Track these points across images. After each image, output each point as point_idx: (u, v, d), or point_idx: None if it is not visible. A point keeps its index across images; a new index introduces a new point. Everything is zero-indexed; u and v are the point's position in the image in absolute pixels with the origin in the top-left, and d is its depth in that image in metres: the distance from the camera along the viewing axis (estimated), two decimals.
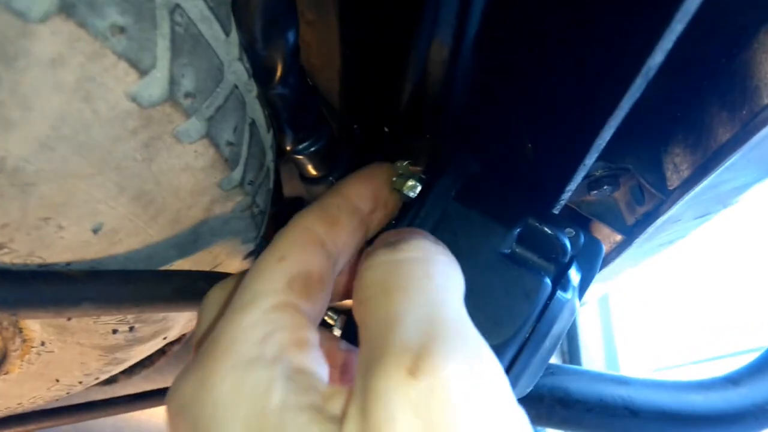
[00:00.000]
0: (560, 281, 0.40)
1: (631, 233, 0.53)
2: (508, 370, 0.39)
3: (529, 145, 0.45)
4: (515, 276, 0.39)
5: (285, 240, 0.34)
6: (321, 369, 0.31)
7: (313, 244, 0.34)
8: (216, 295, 0.35)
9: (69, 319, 0.45)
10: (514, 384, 0.40)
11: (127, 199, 0.33)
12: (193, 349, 0.34)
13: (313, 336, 0.32)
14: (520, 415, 0.27)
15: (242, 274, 0.33)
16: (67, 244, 0.34)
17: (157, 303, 0.40)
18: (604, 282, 0.74)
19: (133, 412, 0.88)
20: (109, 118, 0.28)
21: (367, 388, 0.26)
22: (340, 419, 0.27)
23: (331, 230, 0.35)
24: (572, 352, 1.62)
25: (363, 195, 0.39)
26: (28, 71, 0.24)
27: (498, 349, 0.38)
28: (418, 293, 0.29)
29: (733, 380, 0.72)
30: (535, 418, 0.70)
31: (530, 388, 0.45)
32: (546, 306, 0.39)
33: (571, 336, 1.62)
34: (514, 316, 0.39)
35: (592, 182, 0.49)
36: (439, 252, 0.33)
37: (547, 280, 0.39)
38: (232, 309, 0.31)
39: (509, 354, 0.39)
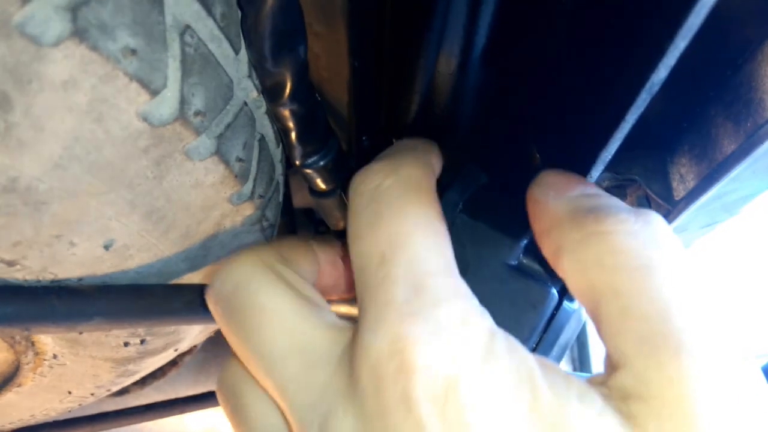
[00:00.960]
0: (567, 292, 0.40)
1: None
2: None
3: (537, 156, 0.45)
4: (522, 287, 0.39)
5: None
6: None
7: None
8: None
9: (81, 333, 0.45)
10: None
11: (139, 216, 0.34)
12: None
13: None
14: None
15: None
16: (79, 261, 0.34)
17: (168, 316, 0.40)
18: None
19: (145, 422, 0.88)
20: (121, 138, 0.29)
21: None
22: None
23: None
24: (582, 359, 1.62)
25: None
26: (41, 94, 0.25)
27: None
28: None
29: None
30: None
31: None
32: (553, 316, 0.39)
33: (581, 343, 1.62)
34: (521, 326, 0.39)
35: None
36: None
37: (554, 291, 0.40)
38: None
39: None
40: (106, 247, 0.34)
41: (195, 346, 0.94)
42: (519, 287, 0.40)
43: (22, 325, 0.34)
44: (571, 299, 0.40)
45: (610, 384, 0.28)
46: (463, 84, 0.50)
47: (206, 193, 0.36)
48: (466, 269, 0.40)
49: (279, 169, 0.46)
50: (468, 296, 0.30)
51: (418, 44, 0.48)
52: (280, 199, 0.49)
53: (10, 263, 0.32)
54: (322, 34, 0.56)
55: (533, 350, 0.39)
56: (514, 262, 0.40)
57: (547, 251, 0.33)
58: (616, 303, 0.28)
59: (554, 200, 0.34)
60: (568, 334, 0.41)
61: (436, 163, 0.39)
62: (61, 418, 0.85)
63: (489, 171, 0.46)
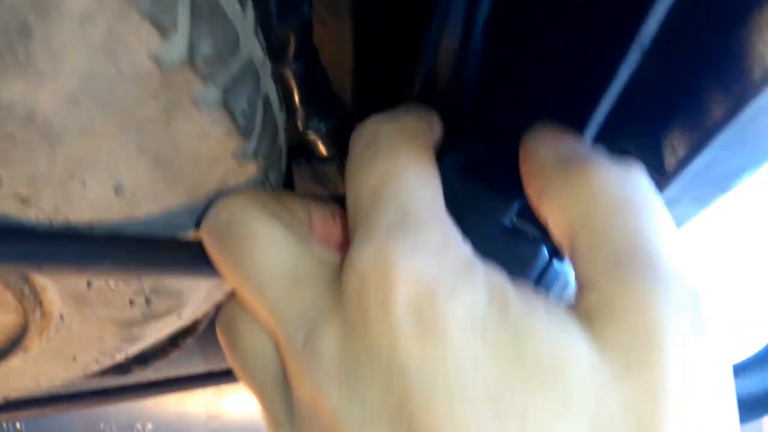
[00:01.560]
0: (557, 253, 0.42)
1: None
2: None
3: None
4: (514, 246, 0.41)
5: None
6: None
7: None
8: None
9: (89, 285, 0.47)
10: None
11: (147, 162, 0.35)
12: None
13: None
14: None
15: None
16: (90, 203, 0.36)
17: (175, 268, 0.42)
18: None
19: (146, 398, 0.90)
20: (132, 78, 0.30)
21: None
22: None
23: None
24: None
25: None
26: (59, 26, 0.26)
27: None
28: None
29: (740, 368, 0.74)
30: None
31: None
32: (542, 274, 0.41)
33: None
34: None
35: None
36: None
37: (544, 250, 0.41)
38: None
39: None
40: (116, 192, 0.36)
41: (197, 327, 0.96)
42: (511, 246, 0.41)
43: (34, 265, 0.36)
44: (561, 259, 0.42)
45: (576, 305, 0.30)
46: (465, 60, 0.51)
47: (212, 146, 0.38)
48: (463, 230, 0.42)
49: (282, 135, 0.47)
50: (451, 226, 0.33)
51: (422, 24, 0.49)
52: (283, 167, 0.50)
53: (25, 200, 0.33)
54: (326, 20, 0.57)
55: None
56: (507, 223, 0.42)
57: (531, 193, 0.36)
58: (591, 237, 0.31)
59: (544, 147, 0.36)
60: (555, 294, 0.42)
61: (435, 126, 0.41)
62: (64, 392, 0.87)
63: (487, 142, 0.48)
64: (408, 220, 0.31)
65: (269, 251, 0.34)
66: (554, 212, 0.34)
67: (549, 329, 0.28)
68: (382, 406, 0.28)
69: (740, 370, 0.74)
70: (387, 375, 0.28)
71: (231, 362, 0.38)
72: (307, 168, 0.71)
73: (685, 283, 0.29)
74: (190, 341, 1.00)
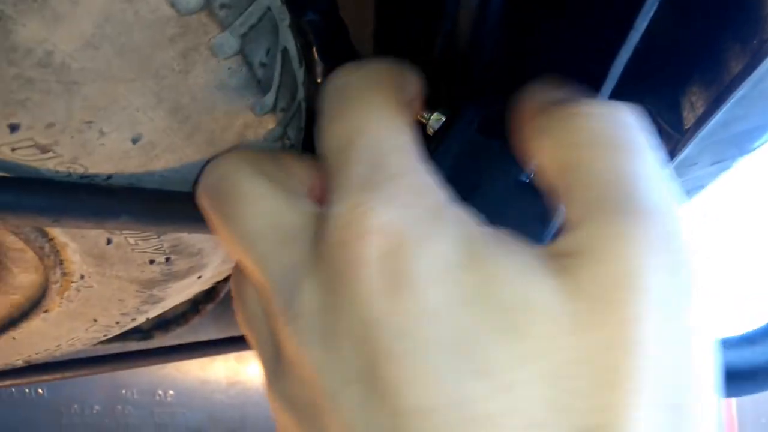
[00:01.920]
0: None
1: None
2: None
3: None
4: (531, 201, 0.41)
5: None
6: None
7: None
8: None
9: (109, 242, 0.47)
10: None
11: (165, 112, 0.35)
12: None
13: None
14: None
15: None
16: (107, 153, 0.36)
17: (193, 224, 0.42)
18: None
19: (168, 363, 0.90)
20: (150, 22, 0.30)
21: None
22: None
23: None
24: None
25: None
26: None
27: None
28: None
29: (749, 339, 0.74)
30: None
31: None
32: (560, 230, 0.41)
33: None
34: (528, 236, 0.40)
35: None
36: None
37: (561, 206, 0.41)
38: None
39: None
40: (134, 141, 0.36)
41: (218, 292, 0.96)
42: (528, 201, 0.41)
43: (52, 217, 0.36)
44: None
45: (557, 248, 0.30)
46: (485, 19, 0.51)
47: (229, 97, 0.38)
48: (478, 184, 0.42)
49: (302, 91, 0.47)
50: (424, 173, 0.33)
51: None
52: (302, 124, 0.50)
53: (44, 148, 0.33)
54: None
55: None
56: (525, 179, 0.42)
57: (522, 138, 0.36)
58: (578, 175, 0.31)
59: (537, 93, 0.36)
60: None
61: (410, 77, 0.40)
62: (85, 356, 0.88)
63: (505, 98, 0.48)
64: (378, 173, 0.31)
65: (255, 208, 0.35)
66: (543, 153, 0.34)
67: (516, 275, 0.28)
68: (357, 361, 0.28)
69: (756, 338, 0.74)
70: (360, 330, 0.29)
71: (238, 319, 0.39)
72: None
73: (665, 222, 0.28)
74: (210, 307, 1.01)
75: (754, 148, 0.52)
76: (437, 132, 0.45)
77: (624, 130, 0.31)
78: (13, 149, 0.33)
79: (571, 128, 0.32)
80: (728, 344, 0.73)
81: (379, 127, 0.34)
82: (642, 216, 0.28)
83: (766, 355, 0.71)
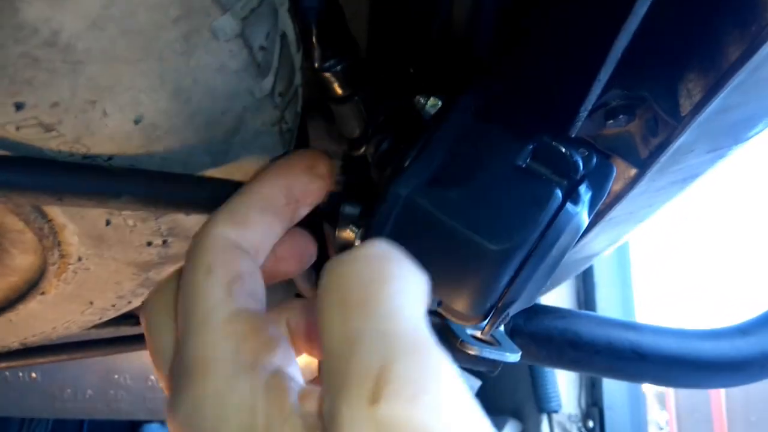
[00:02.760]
0: (571, 195, 0.42)
1: (644, 165, 0.54)
2: (515, 276, 0.42)
3: (549, 66, 0.47)
4: (528, 186, 0.42)
5: (203, 251, 0.36)
6: (292, 364, 0.35)
7: (229, 248, 0.37)
8: (159, 307, 0.39)
9: (107, 224, 0.48)
10: (519, 292, 0.43)
11: (167, 93, 0.36)
12: (167, 373, 0.38)
13: (275, 330, 0.35)
14: (485, 426, 0.28)
15: (171, 280, 0.39)
16: (110, 133, 0.36)
17: (192, 206, 0.42)
18: (619, 226, 0.75)
19: None
20: (154, 3, 0.30)
21: (332, 417, 0.28)
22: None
23: (242, 232, 0.38)
24: (588, 302, 1.65)
25: (273, 190, 0.40)
26: None
27: (508, 253, 0.41)
28: (373, 304, 0.29)
29: (742, 330, 0.75)
30: (546, 359, 0.73)
31: (534, 301, 0.46)
32: (555, 215, 0.41)
33: (588, 290, 1.64)
34: (525, 222, 0.41)
35: (608, 111, 0.51)
36: (394, 250, 0.32)
37: (558, 192, 0.41)
38: (190, 332, 0.35)
39: (518, 258, 0.41)
40: (136, 122, 0.36)
41: None
42: (525, 186, 0.42)
43: (55, 195, 0.36)
44: (575, 203, 0.42)
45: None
46: (480, 3, 0.51)
47: (229, 80, 0.38)
48: (475, 169, 0.42)
49: (299, 77, 0.47)
50: None
51: None
52: (299, 109, 0.51)
53: (48, 127, 0.34)
54: None
55: (534, 246, 0.41)
56: (522, 164, 0.42)
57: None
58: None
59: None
60: (568, 238, 0.43)
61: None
62: (78, 339, 0.88)
63: (503, 83, 0.48)
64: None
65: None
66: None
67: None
68: None
69: (749, 328, 0.75)
70: None
71: (145, 333, 0.40)
72: (323, 125, 0.72)
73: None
74: None
75: (751, 137, 0.52)
76: (434, 117, 0.45)
77: (354, 280, 0.31)
78: (18, 128, 0.33)
79: (319, 289, 0.32)
80: (721, 335, 0.74)
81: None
82: (365, 404, 0.27)
83: (759, 345, 0.72)
